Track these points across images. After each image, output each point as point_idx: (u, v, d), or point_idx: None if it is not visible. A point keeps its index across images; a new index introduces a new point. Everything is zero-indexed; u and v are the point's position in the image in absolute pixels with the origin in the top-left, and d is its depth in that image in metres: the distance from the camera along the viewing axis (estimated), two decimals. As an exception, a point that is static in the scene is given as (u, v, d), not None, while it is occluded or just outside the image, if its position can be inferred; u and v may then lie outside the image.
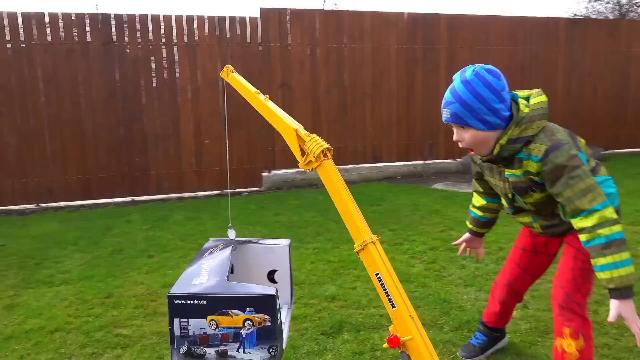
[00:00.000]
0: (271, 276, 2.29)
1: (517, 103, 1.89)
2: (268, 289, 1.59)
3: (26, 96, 6.58)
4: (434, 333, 2.97)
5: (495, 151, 1.87)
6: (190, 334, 1.60)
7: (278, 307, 1.59)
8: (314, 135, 1.71)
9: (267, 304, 1.55)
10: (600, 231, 1.72)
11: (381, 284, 1.62)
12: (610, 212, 1.74)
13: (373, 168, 8.00)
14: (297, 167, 7.74)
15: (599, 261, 1.73)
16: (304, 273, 3.95)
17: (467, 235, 2.55)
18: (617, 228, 1.73)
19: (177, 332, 1.61)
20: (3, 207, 6.60)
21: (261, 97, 1.91)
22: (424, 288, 3.61)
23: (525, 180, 1.92)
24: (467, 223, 2.53)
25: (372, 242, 1.66)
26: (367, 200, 6.37)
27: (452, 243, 2.61)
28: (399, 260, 4.17)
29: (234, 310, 1.56)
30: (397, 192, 6.82)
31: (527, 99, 1.91)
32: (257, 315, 1.56)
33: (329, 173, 1.68)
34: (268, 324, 1.56)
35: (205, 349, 1.59)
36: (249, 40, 7.37)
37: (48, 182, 6.75)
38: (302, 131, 1.74)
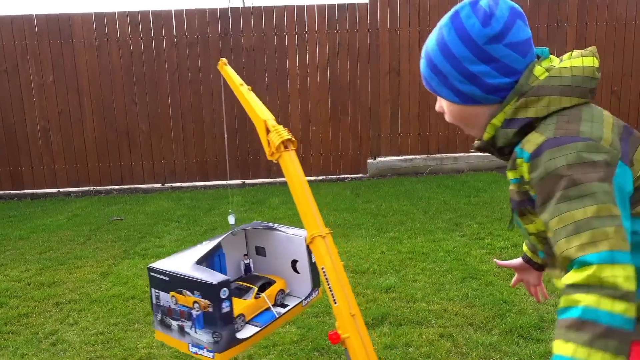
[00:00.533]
0: (294, 265, 2.32)
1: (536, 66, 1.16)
2: (215, 278, 1.66)
3: (155, 86, 7.32)
4: (480, 334, 2.82)
5: (486, 135, 1.21)
6: (161, 304, 1.75)
7: (225, 297, 1.65)
8: (279, 127, 1.73)
9: (210, 292, 1.62)
10: (581, 298, 0.94)
11: (325, 279, 1.60)
12: (614, 273, 0.93)
13: (484, 157, 7.58)
14: (403, 154, 7.51)
15: (556, 348, 0.95)
16: (369, 262, 3.94)
17: (517, 260, 1.59)
18: (618, 307, 0.92)
19: (154, 301, 1.78)
20: (134, 186, 7.46)
21: (244, 88, 1.96)
22: (488, 287, 3.41)
23: (520, 191, 1.19)
24: (523, 245, 1.60)
25: (322, 236, 1.64)
26: (466, 190, 6.08)
27: (495, 261, 1.74)
28: (473, 256, 3.97)
29: (185, 291, 1.66)
30: (502, 183, 6.40)
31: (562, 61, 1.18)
32: (202, 299, 1.64)
33: (287, 165, 1.69)
34: (211, 310, 1.63)
35: (171, 320, 1.72)
36: (357, 26, 7.39)
37: (172, 164, 7.47)
38: (271, 122, 1.77)
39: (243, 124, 7.41)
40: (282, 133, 1.70)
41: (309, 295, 2.01)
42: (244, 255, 2.40)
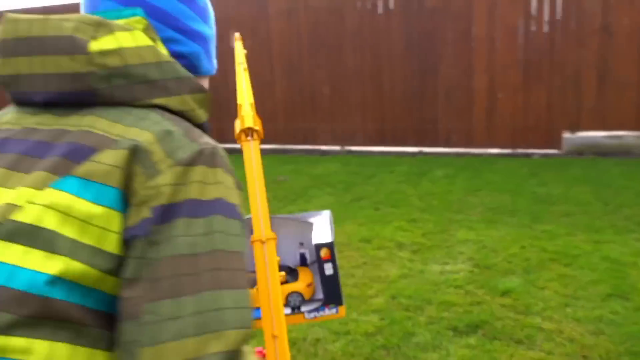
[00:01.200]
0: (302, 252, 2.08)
1: None
2: None
3: (338, 51, 7.40)
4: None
5: None
6: None
7: None
8: (249, 114, 1.55)
9: None
10: None
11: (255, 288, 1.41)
12: None
13: None
14: (610, 129, 6.37)
15: None
16: (500, 257, 3.46)
17: None
18: None
19: None
20: (315, 147, 7.77)
21: (240, 67, 1.79)
22: (636, 312, 2.70)
23: None
24: None
25: (262, 241, 1.44)
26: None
27: None
28: (639, 268, 3.17)
29: None
30: None
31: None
32: None
33: (245, 155, 1.51)
34: None
35: None
36: (563, -23, 6.31)
37: (351, 128, 7.56)
38: (244, 108, 1.60)
39: (422, 90, 7.07)
40: (245, 121, 1.53)
41: (317, 309, 1.78)
42: (300, 243, 2.28)
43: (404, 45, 7.09)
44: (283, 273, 1.44)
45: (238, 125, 1.54)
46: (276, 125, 7.90)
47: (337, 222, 4.22)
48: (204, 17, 0.86)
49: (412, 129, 7.26)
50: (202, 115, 0.81)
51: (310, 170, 6.33)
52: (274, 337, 1.35)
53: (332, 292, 1.66)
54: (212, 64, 0.92)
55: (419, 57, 7.04)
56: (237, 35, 1.98)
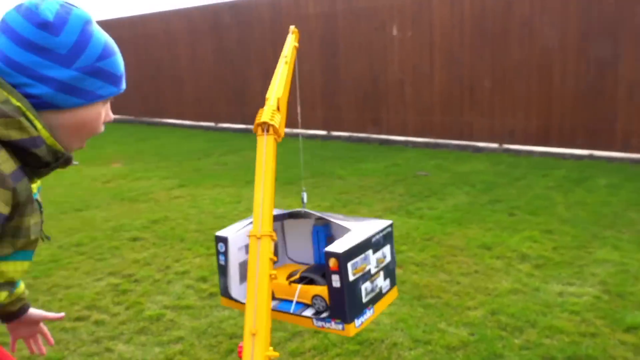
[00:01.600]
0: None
1: None
2: None
3: (503, 41, 6.86)
4: None
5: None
6: None
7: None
8: (269, 110, 1.51)
9: None
10: None
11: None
12: None
13: None
14: None
15: None
16: (621, 273, 2.92)
17: None
18: None
19: None
20: (470, 142, 7.35)
21: (282, 60, 1.73)
22: None
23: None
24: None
25: (257, 237, 1.39)
26: None
27: None
28: None
29: None
30: None
31: None
32: None
33: (257, 149, 1.47)
34: None
35: None
36: None
37: (511, 124, 6.99)
38: (268, 102, 1.55)
39: (598, 85, 6.24)
40: (264, 115, 1.49)
41: (325, 320, 1.65)
42: None
43: (580, 34, 6.30)
44: (274, 271, 1.38)
45: (257, 119, 1.53)
46: (431, 118, 7.66)
47: (462, 224, 4.00)
48: (64, 63, 0.99)
49: (583, 128, 6.46)
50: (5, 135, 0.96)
51: (455, 167, 6.02)
52: (253, 334, 1.32)
53: (337, 306, 1.56)
54: (78, 98, 1.02)
55: (597, 47, 6.20)
56: (291, 28, 1.95)
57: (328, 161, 6.66)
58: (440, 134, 7.62)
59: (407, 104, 7.89)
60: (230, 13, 9.76)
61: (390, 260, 1.72)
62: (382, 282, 1.67)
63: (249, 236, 1.42)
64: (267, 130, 1.50)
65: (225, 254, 1.88)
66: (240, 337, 2.63)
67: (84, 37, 1.00)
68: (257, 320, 1.31)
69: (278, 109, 1.54)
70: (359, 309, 1.58)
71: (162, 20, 11.05)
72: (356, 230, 1.67)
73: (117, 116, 12.14)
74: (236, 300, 1.90)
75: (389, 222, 1.74)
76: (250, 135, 9.37)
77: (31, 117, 0.97)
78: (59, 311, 2.97)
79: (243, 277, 1.93)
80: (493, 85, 7.07)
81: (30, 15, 0.97)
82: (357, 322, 1.58)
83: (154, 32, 11.23)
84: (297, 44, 1.83)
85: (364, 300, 1.59)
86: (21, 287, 1.35)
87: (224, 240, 1.84)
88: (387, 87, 8.05)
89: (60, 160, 1.05)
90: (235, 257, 1.88)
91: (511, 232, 3.83)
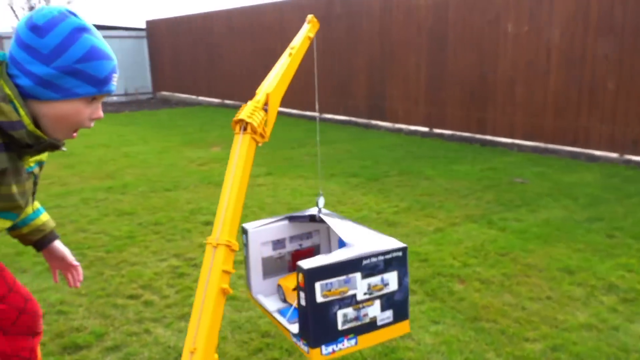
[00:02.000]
0: None
1: None
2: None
3: (634, 36, 6.06)
4: None
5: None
6: None
7: None
8: (248, 104, 1.37)
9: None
10: None
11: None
12: None
13: None
14: None
15: None
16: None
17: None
18: None
19: None
20: (584, 150, 6.61)
21: (288, 51, 1.57)
22: None
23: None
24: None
25: (213, 245, 1.27)
26: None
27: None
28: None
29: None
30: None
31: None
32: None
33: (233, 149, 1.34)
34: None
35: None
36: None
37: (636, 132, 6.18)
38: (256, 97, 1.42)
39: None
40: (244, 111, 1.36)
41: (295, 336, 1.50)
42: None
43: None
44: (226, 285, 1.26)
45: (237, 114, 1.41)
46: (543, 121, 7.02)
47: (548, 241, 3.61)
48: (44, 61, 1.15)
49: None
50: None
51: (560, 177, 5.44)
52: (191, 352, 1.21)
53: (304, 326, 1.40)
54: (55, 93, 1.17)
55: None
56: (309, 17, 1.80)
57: (420, 159, 6.37)
58: (551, 138, 6.96)
59: (516, 104, 7.30)
60: (342, 3, 9.70)
61: (395, 290, 1.52)
62: (376, 313, 1.48)
63: (207, 243, 1.32)
64: (245, 129, 1.38)
65: (247, 246, 1.82)
66: (273, 336, 2.57)
67: (67, 40, 1.15)
68: (197, 336, 1.20)
69: (266, 105, 1.41)
70: (331, 335, 1.41)
71: (276, 9, 11.28)
72: (353, 247, 1.50)
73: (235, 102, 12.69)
74: (254, 298, 1.85)
75: (401, 245, 1.54)
76: (349, 127, 9.28)
77: (17, 104, 1.15)
78: (117, 288, 3.12)
79: (266, 273, 1.87)
80: (618, 87, 6.28)
81: (28, 19, 1.17)
82: (326, 349, 1.42)
83: (269, 23, 11.52)
84: (311, 35, 1.69)
85: (340, 327, 1.43)
86: (40, 218, 1.57)
87: (245, 232, 1.80)
88: (496, 85, 7.50)
89: (43, 144, 1.20)
90: (257, 252, 1.82)
91: (603, 257, 3.35)
